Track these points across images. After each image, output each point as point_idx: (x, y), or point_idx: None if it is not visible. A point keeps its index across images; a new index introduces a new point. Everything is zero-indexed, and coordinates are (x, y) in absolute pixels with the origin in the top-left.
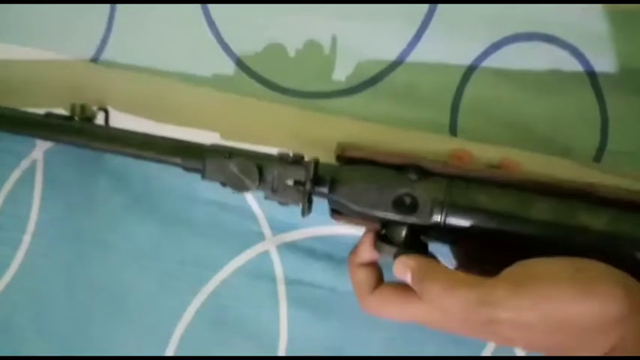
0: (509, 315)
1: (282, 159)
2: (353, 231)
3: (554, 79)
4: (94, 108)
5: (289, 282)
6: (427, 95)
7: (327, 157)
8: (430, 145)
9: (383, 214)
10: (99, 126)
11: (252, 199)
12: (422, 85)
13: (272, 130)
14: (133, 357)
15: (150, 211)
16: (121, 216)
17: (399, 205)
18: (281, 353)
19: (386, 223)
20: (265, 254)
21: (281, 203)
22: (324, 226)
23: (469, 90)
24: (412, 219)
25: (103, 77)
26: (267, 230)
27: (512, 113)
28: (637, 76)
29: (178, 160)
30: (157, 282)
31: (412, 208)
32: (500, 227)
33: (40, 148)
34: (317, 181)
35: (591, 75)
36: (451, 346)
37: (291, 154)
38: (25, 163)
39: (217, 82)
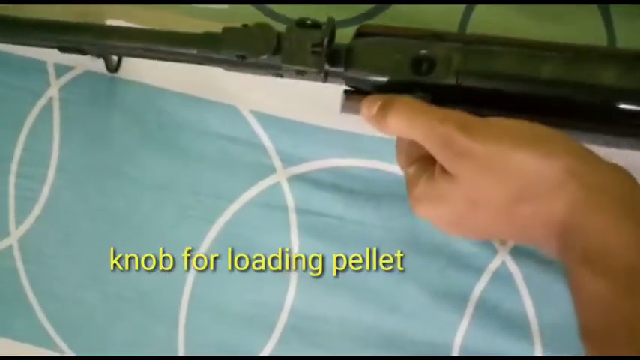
0: (466, 143)
1: (300, 24)
2: (360, 163)
3: (562, 5)
4: None
5: (300, 212)
6: (433, 23)
7: None
8: None
9: (400, 77)
10: (110, 25)
11: (262, 134)
12: (427, 13)
13: None
14: (134, 357)
15: (163, 145)
16: (137, 149)
17: (416, 65)
18: (293, 276)
19: (404, 91)
20: (277, 186)
21: (298, 72)
22: (332, 159)
23: (474, 18)
24: (429, 79)
25: (103, 11)
26: (277, 163)
27: None
28: None
29: (194, 50)
30: (175, 212)
31: (429, 68)
32: (514, 88)
33: (55, 85)
34: (332, 58)
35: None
36: (451, 271)
37: (309, 20)
38: (42, 101)
39: (221, 13)
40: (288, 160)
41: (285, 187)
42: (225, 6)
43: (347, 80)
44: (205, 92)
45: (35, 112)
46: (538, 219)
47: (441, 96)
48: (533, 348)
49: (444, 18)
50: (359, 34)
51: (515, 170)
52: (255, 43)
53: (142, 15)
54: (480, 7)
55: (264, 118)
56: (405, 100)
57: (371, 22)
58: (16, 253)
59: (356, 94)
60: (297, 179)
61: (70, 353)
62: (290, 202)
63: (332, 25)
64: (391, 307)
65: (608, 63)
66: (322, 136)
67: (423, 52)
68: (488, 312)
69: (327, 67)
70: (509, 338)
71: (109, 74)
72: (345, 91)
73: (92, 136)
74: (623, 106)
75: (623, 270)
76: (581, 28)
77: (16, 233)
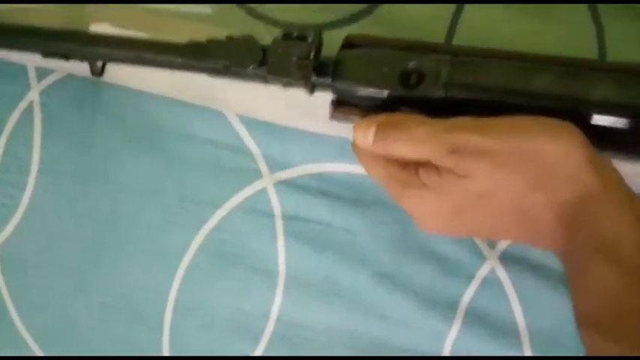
0: (478, 140)
1: (286, 36)
2: (347, 168)
3: (551, 5)
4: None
5: (286, 218)
6: (421, 25)
7: None
8: None
9: (388, 91)
10: (97, 33)
11: (248, 138)
12: (415, 15)
13: None
14: (134, 357)
15: (148, 149)
16: (121, 152)
17: (404, 79)
18: (280, 283)
19: (392, 104)
20: (263, 191)
21: (285, 84)
22: (319, 164)
23: (463, 19)
24: (418, 93)
25: (95, 12)
26: (264, 168)
27: (506, 42)
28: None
29: (179, 59)
30: (161, 217)
31: (418, 81)
32: (504, 99)
33: (36, 89)
34: (320, 69)
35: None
36: (440, 278)
37: (295, 32)
38: (22, 105)
39: (212, 16)
40: (274, 165)
41: (272, 193)
42: (209, 9)
43: (334, 91)
44: (191, 96)
45: (15, 116)
46: (550, 208)
47: (430, 108)
48: (522, 355)
49: (434, 20)
50: (346, 45)
51: (533, 160)
52: (241, 55)
53: (126, 17)
54: (468, 9)
55: (250, 123)
56: (403, 119)
57: (359, 24)
58: None
59: (344, 105)
60: (283, 184)
61: None
62: (277, 207)
63: (318, 37)
64: (380, 315)
65: (600, 77)
66: (309, 140)
67: (412, 63)
68: (478, 320)
69: (314, 78)
70: (499, 346)
71: (92, 78)
72: (333, 102)
73: (74, 140)
74: (613, 121)
75: (634, 261)
76: (570, 26)
77: None
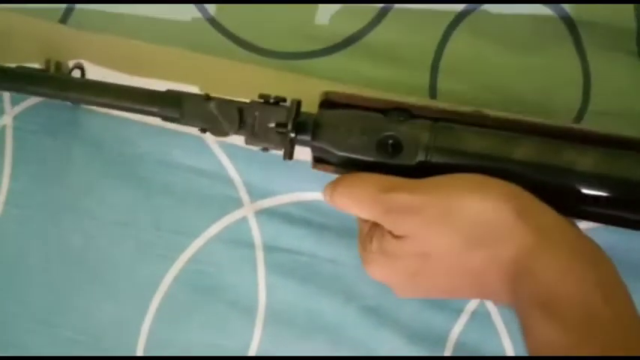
0: (407, 198)
1: (263, 101)
2: None
3: (536, 37)
4: (70, 64)
5: (268, 249)
6: (407, 56)
7: None
8: None
9: (366, 157)
10: (73, 76)
11: (229, 165)
12: (401, 45)
13: (247, 92)
14: (132, 357)
15: (125, 178)
16: (97, 182)
17: (382, 147)
18: (260, 318)
19: (368, 169)
20: (243, 220)
21: (263, 149)
22: (302, 192)
23: (449, 50)
24: (396, 161)
25: (73, 38)
26: (244, 196)
27: (491, 74)
28: (620, 33)
29: (155, 108)
30: (135, 249)
31: (396, 150)
32: (483, 166)
33: (10, 114)
34: (299, 127)
35: (574, 32)
36: (428, 312)
37: (272, 96)
38: None
39: (191, 42)
40: (255, 193)
41: (253, 222)
42: (196, 34)
43: (313, 150)
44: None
45: None
46: (491, 264)
47: (406, 173)
48: None
49: (419, 51)
50: (325, 104)
51: (463, 217)
52: (218, 122)
53: (103, 53)
54: (454, 39)
55: (231, 149)
56: (352, 178)
57: (346, 51)
58: None
59: (323, 163)
60: (265, 213)
61: None
62: (257, 237)
63: (297, 105)
64: (366, 350)
65: (581, 149)
66: (292, 168)
67: (389, 134)
68: (468, 355)
69: (292, 135)
70: None
71: (69, 103)
72: (314, 160)
73: (48, 169)
74: (595, 192)
75: (576, 316)
76: (556, 60)
77: None
